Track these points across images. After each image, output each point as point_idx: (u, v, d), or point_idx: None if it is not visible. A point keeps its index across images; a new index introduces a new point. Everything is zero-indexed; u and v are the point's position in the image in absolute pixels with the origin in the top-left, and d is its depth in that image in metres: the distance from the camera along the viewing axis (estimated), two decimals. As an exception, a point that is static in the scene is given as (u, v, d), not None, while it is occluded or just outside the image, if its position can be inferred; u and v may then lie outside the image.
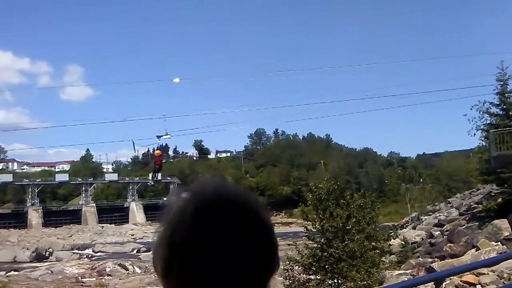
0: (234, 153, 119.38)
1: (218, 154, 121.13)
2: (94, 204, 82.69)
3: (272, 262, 0.79)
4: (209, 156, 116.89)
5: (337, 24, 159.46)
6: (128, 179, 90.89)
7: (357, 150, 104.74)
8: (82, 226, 72.27)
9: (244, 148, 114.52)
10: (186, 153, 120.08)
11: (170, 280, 0.75)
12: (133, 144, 22.90)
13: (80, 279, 30.86)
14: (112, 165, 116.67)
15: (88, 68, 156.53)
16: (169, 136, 21.75)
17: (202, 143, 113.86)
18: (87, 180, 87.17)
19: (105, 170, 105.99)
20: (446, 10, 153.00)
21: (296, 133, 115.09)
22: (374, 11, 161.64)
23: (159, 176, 23.88)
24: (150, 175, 23.58)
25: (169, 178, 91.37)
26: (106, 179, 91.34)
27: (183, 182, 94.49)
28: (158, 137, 21.56)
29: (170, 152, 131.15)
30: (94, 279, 30.38)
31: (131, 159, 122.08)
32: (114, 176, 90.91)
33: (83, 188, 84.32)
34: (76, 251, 45.01)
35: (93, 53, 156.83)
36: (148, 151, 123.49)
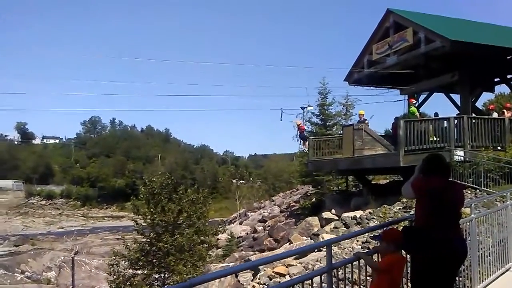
0: (64, 140, 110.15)
1: (45, 140, 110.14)
2: None
3: None
4: (33, 141, 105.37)
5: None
6: None
7: (194, 146, 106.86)
8: None
9: (75, 136, 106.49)
10: (6, 136, 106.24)
11: None
12: (281, 112, 21.48)
13: None
14: None
15: None
16: (312, 108, 23.38)
17: (26, 126, 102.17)
18: None
19: None
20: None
21: (134, 125, 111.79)
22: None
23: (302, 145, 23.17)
24: (301, 145, 22.78)
25: (-18, 164, 79.78)
26: None
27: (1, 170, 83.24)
28: (303, 108, 22.57)
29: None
30: None
31: None
32: None
33: None
34: None
35: None
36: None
